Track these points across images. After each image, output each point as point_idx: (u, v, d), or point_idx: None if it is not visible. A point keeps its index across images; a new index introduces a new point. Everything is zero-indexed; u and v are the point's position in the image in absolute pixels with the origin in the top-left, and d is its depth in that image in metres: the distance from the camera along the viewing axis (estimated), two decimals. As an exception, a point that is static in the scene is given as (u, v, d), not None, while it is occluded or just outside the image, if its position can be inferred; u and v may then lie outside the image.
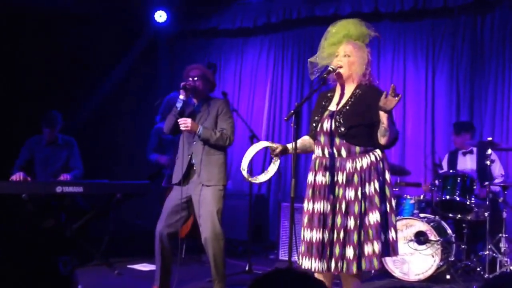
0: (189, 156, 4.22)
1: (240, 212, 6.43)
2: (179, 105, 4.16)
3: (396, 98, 2.97)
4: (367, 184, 3.15)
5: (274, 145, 3.32)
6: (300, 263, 3.23)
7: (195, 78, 4.26)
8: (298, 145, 3.29)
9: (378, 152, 3.22)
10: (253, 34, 7.87)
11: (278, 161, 3.30)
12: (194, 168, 4.20)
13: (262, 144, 3.37)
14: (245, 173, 3.23)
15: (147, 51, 7.81)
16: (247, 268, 5.31)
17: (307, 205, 3.26)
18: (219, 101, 4.37)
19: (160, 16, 7.61)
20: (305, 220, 3.25)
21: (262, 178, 3.35)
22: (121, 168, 7.02)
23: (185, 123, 4.09)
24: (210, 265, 4.18)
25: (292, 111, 3.05)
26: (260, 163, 7.38)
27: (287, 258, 5.78)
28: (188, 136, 4.24)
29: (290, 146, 3.28)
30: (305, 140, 3.44)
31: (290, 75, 7.63)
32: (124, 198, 5.29)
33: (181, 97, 4.16)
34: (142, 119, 7.15)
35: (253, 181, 3.39)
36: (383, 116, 3.07)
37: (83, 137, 6.06)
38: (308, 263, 3.17)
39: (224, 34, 7.99)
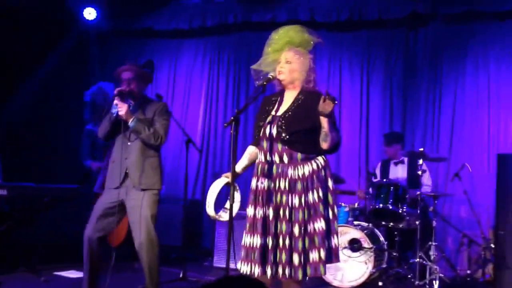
0: (125, 159, 4.07)
1: (173, 218, 6.31)
2: (114, 111, 4.01)
3: (333, 102, 3.01)
4: (310, 192, 3.16)
5: (228, 179, 3.30)
6: (239, 269, 3.21)
7: (130, 81, 4.12)
8: (246, 161, 3.39)
9: (320, 159, 3.24)
10: (189, 36, 7.76)
11: (237, 187, 3.27)
12: (128, 172, 4.05)
13: (222, 182, 3.32)
14: (210, 210, 3.24)
15: (77, 48, 7.51)
16: (181, 275, 5.21)
17: (250, 211, 3.25)
18: (157, 103, 4.27)
19: (90, 14, 7.34)
20: (248, 225, 3.23)
21: (226, 214, 3.28)
22: (50, 171, 6.70)
23: (121, 106, 3.96)
24: (144, 272, 4.04)
25: (232, 118, 3.05)
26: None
27: (222, 265, 5.82)
28: (123, 139, 4.10)
29: (239, 167, 3.36)
30: (251, 154, 3.43)
31: (226, 80, 7.59)
32: (52, 202, 5.05)
33: (117, 102, 4.01)
34: (71, 119, 6.87)
35: (221, 219, 3.34)
36: (323, 120, 3.12)
37: (9, 138, 5.74)
38: (248, 269, 3.16)
39: (158, 35, 7.82)
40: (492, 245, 5.44)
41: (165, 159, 6.97)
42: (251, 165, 3.41)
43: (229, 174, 3.31)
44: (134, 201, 3.99)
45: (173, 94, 7.75)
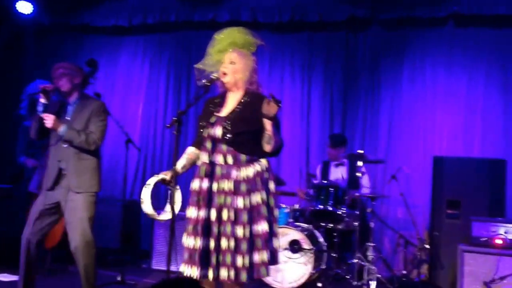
0: (59, 161, 3.97)
1: (111, 219, 6.16)
2: (40, 109, 3.91)
3: (277, 105, 3.02)
4: (254, 193, 3.16)
5: (165, 176, 3.25)
6: (182, 271, 3.16)
7: (58, 78, 4.02)
8: (186, 162, 3.34)
9: (263, 161, 3.25)
10: (129, 33, 7.61)
11: (178, 186, 3.21)
12: (64, 173, 3.96)
13: (154, 179, 3.25)
14: (146, 207, 3.16)
15: (12, 43, 7.20)
16: (119, 278, 5.10)
17: (192, 212, 3.20)
18: (95, 102, 4.14)
19: (24, 7, 7.07)
20: (190, 227, 3.18)
21: (167, 215, 3.23)
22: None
23: (47, 119, 3.85)
24: (80, 276, 3.96)
25: (174, 119, 3.02)
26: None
27: (161, 268, 5.73)
28: (57, 139, 3.98)
29: (178, 166, 3.28)
30: (191, 154, 3.38)
31: (166, 78, 7.49)
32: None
33: (42, 100, 3.92)
34: (7, 115, 6.57)
35: (158, 218, 3.25)
36: (267, 123, 3.12)
37: None
38: (191, 271, 3.12)
39: (97, 31, 7.63)
40: (427, 246, 5.59)
41: (103, 159, 6.76)
42: (191, 166, 3.37)
43: (166, 172, 3.27)
44: (70, 203, 3.92)
45: (112, 92, 7.55)
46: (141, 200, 3.19)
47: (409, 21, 6.53)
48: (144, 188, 3.21)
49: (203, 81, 3.31)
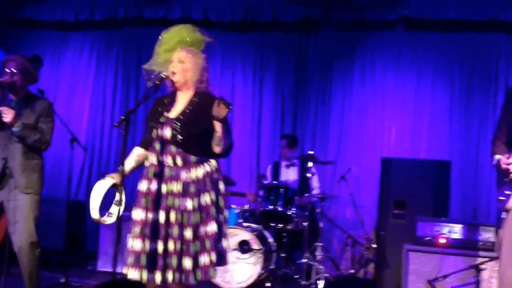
0: (3, 159, 3.88)
1: (55, 220, 6.00)
2: None
3: (227, 107, 3.01)
4: (203, 194, 3.13)
5: (114, 180, 3.19)
6: (127, 275, 3.09)
7: (13, 73, 3.89)
8: (133, 162, 3.29)
9: (213, 162, 3.23)
10: (75, 29, 7.42)
11: (122, 188, 3.14)
12: (9, 172, 3.88)
13: (108, 183, 3.18)
14: (95, 213, 3.11)
15: None
16: (63, 280, 5.03)
17: (139, 214, 3.14)
18: (43, 102, 4.08)
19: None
20: (136, 229, 3.12)
21: (114, 216, 3.17)
22: None
23: (7, 113, 3.75)
24: (23, 277, 3.90)
25: (122, 118, 2.96)
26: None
27: (106, 269, 5.60)
28: (4, 138, 3.89)
29: (126, 168, 3.22)
30: (139, 155, 3.32)
31: (114, 76, 7.34)
32: None
33: None
34: None
35: (106, 223, 3.18)
36: (217, 124, 3.11)
37: None
38: (137, 274, 3.06)
39: (42, 26, 7.41)
40: (374, 245, 5.67)
41: (47, 158, 6.58)
42: (138, 167, 3.31)
43: (113, 175, 3.21)
44: (14, 203, 3.86)
45: (56, 89, 7.36)
46: (91, 207, 3.12)
47: (360, 23, 6.60)
48: (94, 195, 3.14)
49: (153, 80, 3.26)
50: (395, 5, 6.36)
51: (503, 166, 3.28)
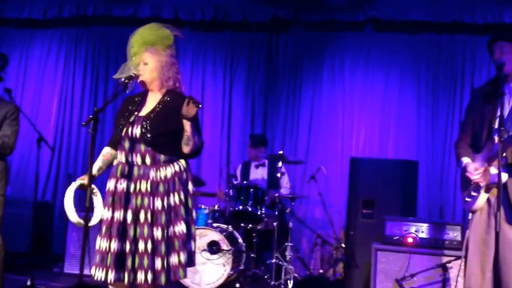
0: None
1: (20, 221, 5.89)
2: None
3: (196, 106, 3.01)
4: (172, 194, 3.13)
5: (82, 181, 3.15)
6: (93, 275, 3.08)
7: None
8: (101, 163, 3.25)
9: (182, 162, 3.23)
10: (43, 26, 7.28)
11: (96, 189, 3.14)
12: None
13: (73, 187, 3.14)
14: (73, 216, 3.07)
15: None
16: (28, 283, 4.92)
17: (106, 213, 3.12)
18: (9, 105, 4.04)
19: None
20: (103, 228, 3.10)
21: (93, 219, 3.14)
22: None
23: None
24: None
25: (90, 116, 2.93)
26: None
27: (73, 271, 5.51)
28: None
29: (94, 169, 3.18)
30: (107, 155, 3.29)
31: (83, 74, 7.23)
32: None
33: None
34: None
35: (90, 225, 3.11)
36: (186, 124, 3.11)
37: None
38: (103, 274, 3.04)
39: (9, 23, 7.24)
40: (343, 245, 5.71)
41: (12, 158, 6.48)
42: (107, 167, 3.28)
43: (83, 176, 3.17)
44: None
45: (23, 87, 7.22)
46: (66, 211, 3.09)
47: (330, 24, 6.63)
48: (66, 199, 3.10)
49: (122, 78, 3.23)
50: (363, 6, 6.41)
51: (469, 175, 3.33)
